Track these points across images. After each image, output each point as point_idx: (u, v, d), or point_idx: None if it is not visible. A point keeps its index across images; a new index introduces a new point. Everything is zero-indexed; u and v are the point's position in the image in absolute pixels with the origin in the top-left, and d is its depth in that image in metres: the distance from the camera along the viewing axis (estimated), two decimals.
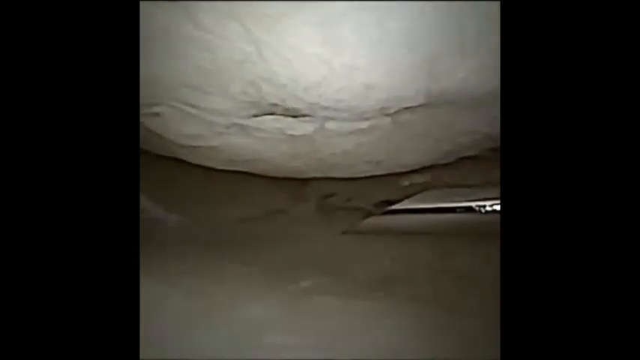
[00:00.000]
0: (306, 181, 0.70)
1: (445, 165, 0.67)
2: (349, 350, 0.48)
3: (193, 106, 0.51)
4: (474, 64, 0.47)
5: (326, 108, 0.50)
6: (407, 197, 0.68)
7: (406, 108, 0.52)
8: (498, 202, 0.63)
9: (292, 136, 0.55)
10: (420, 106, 0.52)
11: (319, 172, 0.66)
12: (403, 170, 0.67)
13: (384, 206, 0.70)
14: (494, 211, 0.64)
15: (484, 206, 0.64)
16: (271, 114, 0.52)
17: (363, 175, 0.66)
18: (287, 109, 0.51)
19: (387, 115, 0.54)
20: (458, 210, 0.65)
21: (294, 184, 0.72)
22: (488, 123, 0.57)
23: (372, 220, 0.66)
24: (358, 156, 0.62)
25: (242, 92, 0.49)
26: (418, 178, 0.69)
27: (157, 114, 0.53)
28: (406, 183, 0.70)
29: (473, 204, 0.64)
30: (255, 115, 0.53)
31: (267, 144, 0.57)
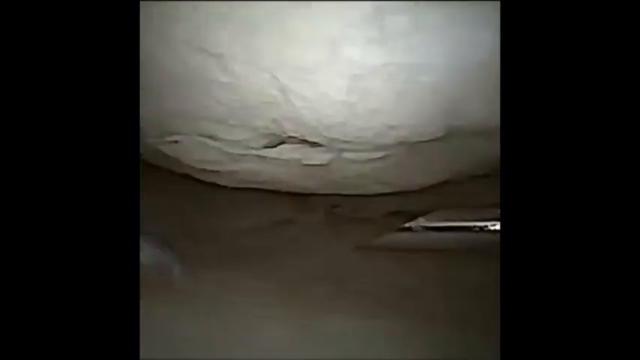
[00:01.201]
0: (313, 195, 0.71)
1: (456, 183, 0.69)
2: None
3: (214, 138, 0.53)
4: (494, 101, 0.49)
5: (346, 142, 0.52)
6: (417, 210, 0.69)
7: (424, 141, 0.54)
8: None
9: (308, 164, 0.57)
10: (437, 139, 0.54)
11: (329, 189, 0.67)
12: (414, 189, 0.68)
13: (391, 216, 0.71)
14: None
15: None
16: (290, 144, 0.54)
17: (372, 193, 0.68)
18: (306, 141, 0.53)
19: (404, 144, 0.56)
20: (473, 229, 0.66)
21: (301, 198, 0.73)
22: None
23: (385, 238, 0.67)
24: (370, 178, 0.63)
25: (264, 127, 0.50)
26: (429, 193, 0.70)
27: (176, 141, 0.54)
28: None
29: (488, 223, 0.65)
30: (274, 146, 0.54)
31: (283, 169, 0.59)
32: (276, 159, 0.56)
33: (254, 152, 0.55)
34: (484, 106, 0.50)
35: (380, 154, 0.57)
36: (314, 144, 0.54)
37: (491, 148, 0.60)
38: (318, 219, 0.75)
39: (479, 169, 0.66)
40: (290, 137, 0.52)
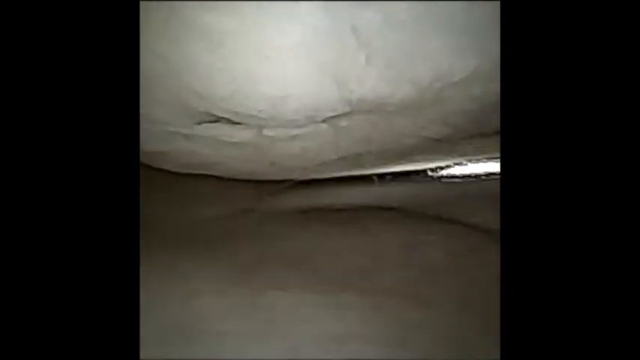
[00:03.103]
0: (274, 182, 0.73)
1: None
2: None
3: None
4: (381, 74, 0.51)
5: (252, 116, 0.55)
6: None
7: (333, 116, 0.56)
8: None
9: (233, 143, 0.60)
10: (349, 113, 0.56)
11: (276, 175, 0.70)
12: (362, 173, 0.70)
13: None
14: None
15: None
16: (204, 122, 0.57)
17: (320, 177, 0.70)
18: (218, 118, 0.56)
19: (321, 122, 0.58)
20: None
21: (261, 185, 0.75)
22: (426, 126, 0.61)
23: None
24: (309, 159, 0.66)
25: (170, 103, 0.54)
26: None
27: None
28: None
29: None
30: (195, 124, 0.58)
31: (214, 150, 0.62)
32: (199, 136, 0.59)
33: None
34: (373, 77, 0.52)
35: (300, 132, 0.59)
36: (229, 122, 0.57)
37: (419, 127, 0.62)
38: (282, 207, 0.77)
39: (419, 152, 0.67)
40: (202, 113, 0.56)
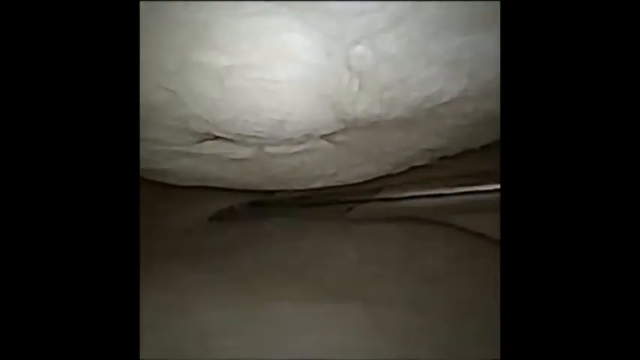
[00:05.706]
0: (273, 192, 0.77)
1: (399, 173, 0.74)
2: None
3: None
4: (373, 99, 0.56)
5: (251, 137, 0.60)
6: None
7: (329, 133, 0.61)
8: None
9: (235, 159, 0.65)
10: (345, 129, 0.61)
11: (277, 186, 0.74)
12: (359, 180, 0.74)
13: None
14: None
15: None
16: (206, 140, 0.62)
17: (320, 186, 0.74)
18: (219, 137, 0.61)
19: (318, 138, 0.62)
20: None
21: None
22: (422, 138, 0.65)
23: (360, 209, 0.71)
24: (308, 172, 0.70)
25: (173, 127, 0.59)
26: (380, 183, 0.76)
27: None
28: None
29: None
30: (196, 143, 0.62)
31: (215, 165, 0.66)
32: (201, 154, 0.64)
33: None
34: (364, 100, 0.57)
35: (301, 148, 0.64)
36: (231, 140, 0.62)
37: (415, 140, 0.66)
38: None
39: (415, 161, 0.72)
40: (205, 134, 0.60)
